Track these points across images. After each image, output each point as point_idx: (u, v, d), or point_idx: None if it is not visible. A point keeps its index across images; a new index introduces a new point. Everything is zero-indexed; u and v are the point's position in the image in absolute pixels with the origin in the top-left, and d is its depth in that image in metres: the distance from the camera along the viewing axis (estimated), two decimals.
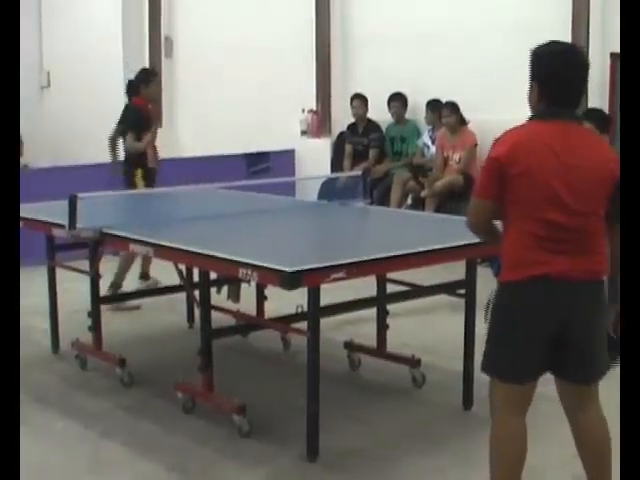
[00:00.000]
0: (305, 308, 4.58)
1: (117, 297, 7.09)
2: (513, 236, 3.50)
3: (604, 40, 8.76)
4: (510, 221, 3.51)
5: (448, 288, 5.53)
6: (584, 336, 3.51)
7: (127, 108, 7.95)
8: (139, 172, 7.57)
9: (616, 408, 3.15)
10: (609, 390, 3.75)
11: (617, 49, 8.32)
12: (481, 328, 5.28)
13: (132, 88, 7.95)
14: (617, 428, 3.21)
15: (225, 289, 6.36)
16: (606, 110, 8.14)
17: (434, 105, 9.94)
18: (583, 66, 3.57)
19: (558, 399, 3.74)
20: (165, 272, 5.62)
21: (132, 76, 8.08)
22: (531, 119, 3.58)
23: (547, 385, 3.75)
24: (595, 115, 7.74)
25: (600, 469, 3.67)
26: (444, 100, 9.73)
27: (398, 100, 10.37)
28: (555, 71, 3.51)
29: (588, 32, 8.77)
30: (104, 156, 8.37)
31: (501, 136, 3.53)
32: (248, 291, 6.33)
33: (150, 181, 7.60)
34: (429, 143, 10.14)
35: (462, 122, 9.61)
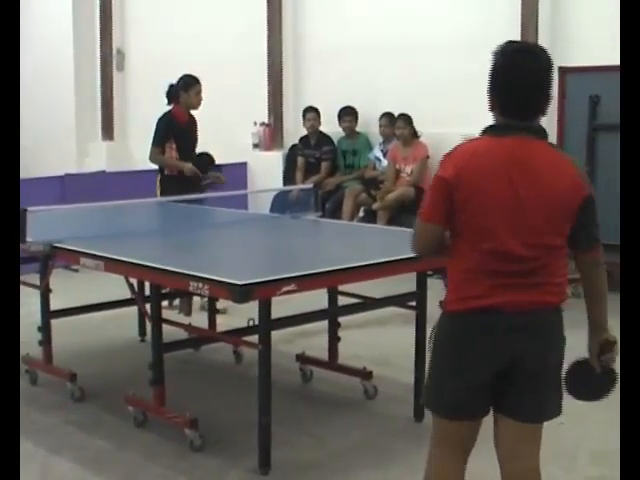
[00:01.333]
0: (257, 321, 4.58)
1: (66, 312, 7.02)
2: (459, 262, 3.18)
3: (552, 55, 8.84)
4: (457, 245, 3.18)
5: (399, 300, 5.55)
6: (535, 369, 3.19)
7: (160, 118, 7.74)
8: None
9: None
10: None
11: (565, 63, 8.51)
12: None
13: (171, 94, 7.69)
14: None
15: (177, 303, 6.35)
16: (553, 123, 8.24)
17: (389, 118, 10.00)
18: (542, 69, 3.10)
19: None
20: (116, 285, 5.59)
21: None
22: (484, 132, 3.17)
23: None
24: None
25: None
26: (396, 113, 9.80)
27: (349, 114, 10.41)
28: (507, 76, 3.10)
29: None
30: (55, 169, 8.30)
31: (451, 151, 3.16)
32: (199, 304, 6.31)
33: (181, 188, 7.21)
34: (380, 156, 10.19)
35: (414, 135, 9.68)
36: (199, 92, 7.81)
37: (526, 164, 3.07)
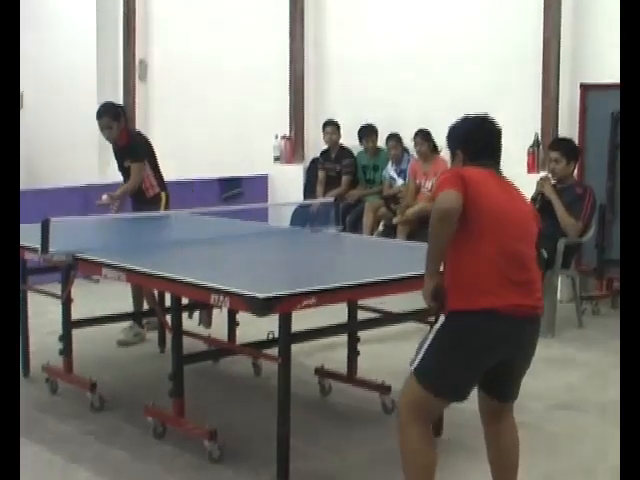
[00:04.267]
0: (276, 334, 4.59)
1: (87, 322, 7.06)
2: (466, 263, 3.63)
3: (574, 71, 8.88)
4: (461, 247, 3.62)
5: (418, 315, 5.55)
6: (519, 370, 3.83)
7: (137, 134, 7.67)
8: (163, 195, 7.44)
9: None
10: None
11: (586, 80, 8.52)
12: None
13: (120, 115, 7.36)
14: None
15: (197, 314, 6.37)
16: (575, 139, 8.25)
17: (396, 139, 10.00)
18: (498, 131, 3.93)
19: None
20: None
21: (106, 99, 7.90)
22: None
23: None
24: (564, 145, 7.86)
25: (509, 471, 3.96)
26: (415, 128, 9.81)
27: (369, 134, 10.37)
28: (477, 136, 3.90)
29: (559, 63, 8.88)
30: (77, 180, 8.34)
31: (447, 173, 3.83)
32: (220, 317, 6.33)
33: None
34: (395, 176, 10.17)
35: (434, 150, 9.69)
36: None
37: (502, 182, 3.83)
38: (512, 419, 3.97)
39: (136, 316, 7.04)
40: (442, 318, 3.70)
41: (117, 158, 7.44)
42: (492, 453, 3.99)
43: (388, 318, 5.78)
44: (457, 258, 3.66)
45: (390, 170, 10.24)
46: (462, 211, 3.55)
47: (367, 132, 10.40)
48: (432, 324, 3.83)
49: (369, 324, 5.79)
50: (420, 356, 3.77)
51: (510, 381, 3.85)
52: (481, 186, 3.64)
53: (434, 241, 3.66)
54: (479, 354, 3.64)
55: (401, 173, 10.08)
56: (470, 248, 3.61)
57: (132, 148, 7.25)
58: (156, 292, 5.76)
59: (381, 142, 10.49)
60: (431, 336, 3.74)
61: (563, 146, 7.78)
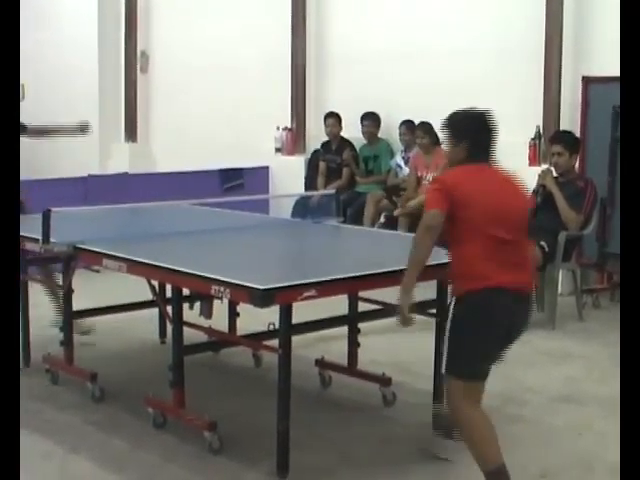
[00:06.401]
0: (277, 325, 4.60)
1: (87, 312, 7.06)
2: (465, 252, 4.08)
3: (576, 64, 8.87)
4: (460, 240, 4.08)
5: (419, 307, 5.54)
6: (516, 340, 4.19)
7: None
8: None
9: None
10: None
11: (589, 73, 8.50)
12: None
13: None
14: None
15: (198, 305, 6.36)
16: (577, 132, 8.25)
17: (408, 125, 10.02)
18: (495, 126, 4.29)
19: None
20: (138, 287, 5.62)
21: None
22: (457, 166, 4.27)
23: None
24: (565, 137, 7.86)
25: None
26: (417, 120, 9.80)
27: (370, 119, 10.42)
28: (483, 133, 4.26)
29: (561, 56, 8.87)
30: (78, 171, 8.33)
31: (441, 175, 4.41)
32: (220, 308, 6.33)
33: None
34: (402, 164, 10.20)
35: (436, 142, 9.67)
36: None
37: (493, 176, 4.25)
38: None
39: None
40: (451, 309, 4.15)
41: None
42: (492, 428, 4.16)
43: (389, 310, 5.76)
44: (456, 252, 4.15)
45: (398, 158, 10.25)
46: (453, 212, 4.03)
47: (366, 117, 10.41)
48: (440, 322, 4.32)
49: (370, 316, 5.79)
50: (444, 356, 4.16)
51: (507, 350, 4.19)
52: (467, 185, 4.12)
53: (417, 249, 4.10)
54: (487, 327, 4.04)
55: (409, 161, 10.08)
56: (464, 240, 4.07)
57: None
58: (157, 283, 5.75)
59: (382, 134, 10.51)
60: (447, 332, 4.15)
61: (565, 139, 7.78)
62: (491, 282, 4.01)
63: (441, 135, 4.51)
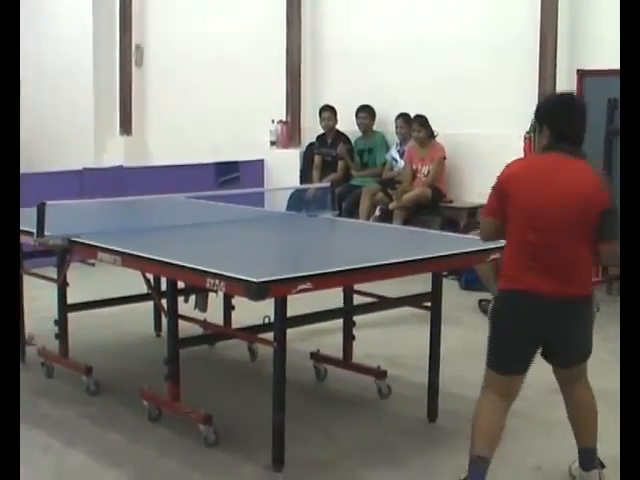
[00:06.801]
0: (272, 318, 4.60)
1: (82, 305, 7.06)
2: (505, 250, 4.11)
3: (571, 57, 8.87)
4: (506, 236, 4.07)
5: (414, 300, 5.57)
6: (563, 343, 4.09)
7: None
8: None
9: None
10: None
11: (584, 66, 8.50)
12: (446, 341, 5.38)
13: None
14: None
15: (193, 298, 6.37)
16: None
17: (405, 119, 10.02)
18: (584, 111, 4.09)
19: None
20: (133, 281, 5.61)
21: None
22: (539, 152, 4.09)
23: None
24: None
25: (583, 428, 4.24)
26: (412, 113, 9.81)
27: (365, 111, 10.44)
28: (564, 116, 4.03)
29: (556, 49, 8.88)
30: (73, 164, 8.32)
31: (510, 163, 4.12)
32: (216, 301, 6.33)
33: None
34: (397, 157, 10.21)
35: (431, 135, 9.69)
36: None
37: (559, 173, 3.94)
38: (586, 382, 4.24)
39: None
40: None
41: None
42: (570, 412, 4.28)
43: (384, 303, 5.78)
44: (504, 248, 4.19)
45: (393, 151, 10.26)
46: (504, 208, 3.99)
47: (362, 109, 10.42)
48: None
49: (365, 309, 5.80)
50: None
51: (561, 351, 4.12)
52: (519, 178, 4.00)
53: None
54: (503, 326, 4.06)
55: (404, 154, 10.08)
56: (506, 237, 4.08)
57: None
58: (152, 276, 5.75)
59: (377, 127, 10.52)
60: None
61: None
62: (513, 284, 4.00)
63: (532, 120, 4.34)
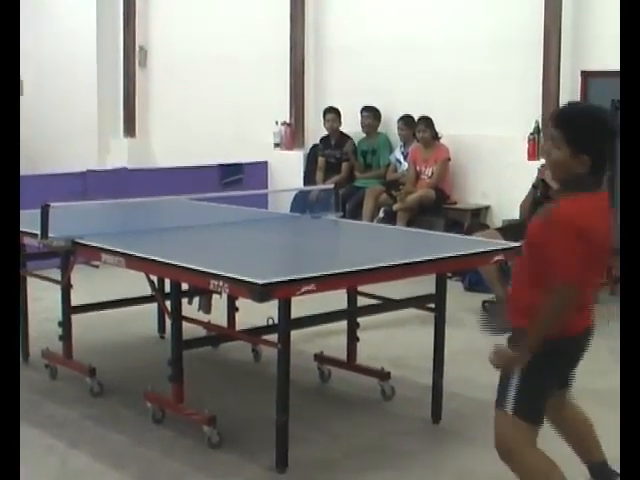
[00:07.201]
0: (276, 320, 4.60)
1: (86, 307, 7.06)
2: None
3: (575, 58, 8.86)
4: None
5: (418, 302, 5.56)
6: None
7: None
8: None
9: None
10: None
11: (587, 67, 8.50)
12: (450, 342, 5.36)
13: None
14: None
15: (196, 300, 6.36)
16: None
17: (406, 121, 10.02)
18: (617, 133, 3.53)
19: None
20: (137, 282, 5.62)
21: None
22: (579, 190, 3.48)
23: None
24: None
25: (590, 441, 4.06)
26: (416, 115, 9.81)
27: (370, 111, 10.42)
28: (605, 142, 3.48)
29: (560, 50, 8.87)
30: (76, 166, 8.33)
31: (568, 207, 3.45)
32: (219, 302, 6.33)
33: None
34: (401, 159, 10.20)
35: (435, 137, 9.69)
36: None
37: (606, 215, 3.54)
38: (570, 399, 4.07)
39: None
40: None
41: None
42: (567, 436, 4.09)
43: (388, 304, 5.78)
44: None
45: (397, 153, 10.26)
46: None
47: (367, 109, 10.42)
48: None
49: (368, 310, 5.79)
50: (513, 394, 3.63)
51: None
52: (599, 231, 3.49)
53: (552, 321, 3.49)
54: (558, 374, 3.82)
55: (408, 156, 10.08)
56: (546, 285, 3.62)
57: None
58: (156, 278, 5.75)
59: (381, 128, 10.51)
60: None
61: None
62: (570, 329, 3.62)
63: (552, 132, 3.51)
